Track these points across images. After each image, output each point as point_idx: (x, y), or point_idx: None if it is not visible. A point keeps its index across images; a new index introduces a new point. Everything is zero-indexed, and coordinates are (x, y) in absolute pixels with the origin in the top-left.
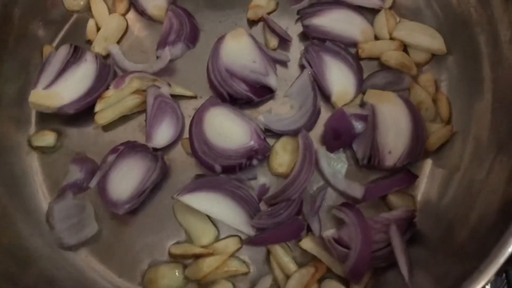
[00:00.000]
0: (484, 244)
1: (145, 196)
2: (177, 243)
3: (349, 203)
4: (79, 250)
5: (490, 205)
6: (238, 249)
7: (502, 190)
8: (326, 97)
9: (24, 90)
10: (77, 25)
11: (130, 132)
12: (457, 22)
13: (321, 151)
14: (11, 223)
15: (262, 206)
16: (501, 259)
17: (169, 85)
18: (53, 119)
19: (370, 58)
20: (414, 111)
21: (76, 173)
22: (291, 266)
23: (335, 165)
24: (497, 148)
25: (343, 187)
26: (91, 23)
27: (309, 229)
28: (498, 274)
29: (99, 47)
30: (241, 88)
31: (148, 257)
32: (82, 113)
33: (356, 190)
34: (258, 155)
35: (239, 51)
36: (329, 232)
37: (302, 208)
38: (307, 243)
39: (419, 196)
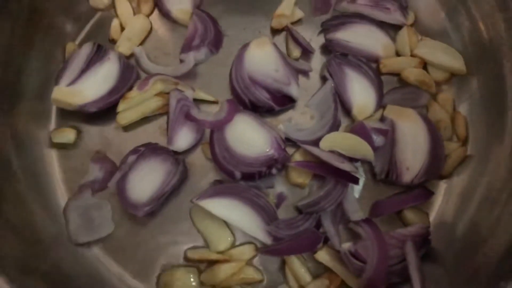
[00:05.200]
0: (499, 272)
1: (163, 199)
2: (193, 247)
3: (367, 217)
4: (95, 248)
5: (510, 231)
6: (253, 257)
7: None
8: (347, 110)
9: (46, 85)
10: (101, 23)
11: (150, 133)
12: (483, 47)
13: None
14: (30, 215)
15: (280, 215)
16: None
17: (193, 89)
18: (73, 116)
19: (390, 74)
20: (432, 129)
21: (95, 172)
22: (307, 277)
23: None
24: None
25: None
26: (115, 23)
27: (324, 242)
28: None
29: (123, 47)
30: (263, 96)
31: (163, 259)
32: (102, 112)
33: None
34: (277, 164)
35: (263, 59)
36: (346, 246)
37: (320, 222)
38: (322, 256)
39: (433, 214)
